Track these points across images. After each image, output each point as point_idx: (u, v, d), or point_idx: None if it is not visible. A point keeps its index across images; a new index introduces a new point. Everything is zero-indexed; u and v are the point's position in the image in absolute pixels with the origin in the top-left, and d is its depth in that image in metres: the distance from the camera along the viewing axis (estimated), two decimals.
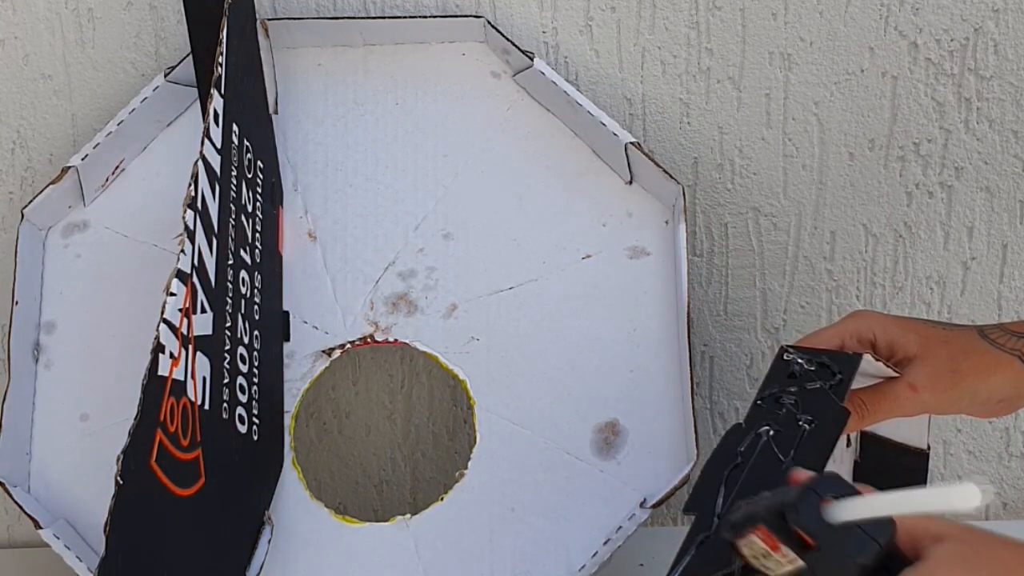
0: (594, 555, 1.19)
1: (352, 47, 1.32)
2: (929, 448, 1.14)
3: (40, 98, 1.33)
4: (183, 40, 1.25)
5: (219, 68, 1.13)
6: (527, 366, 1.25)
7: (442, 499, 1.23)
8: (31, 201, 1.29)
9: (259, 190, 1.23)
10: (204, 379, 1.08)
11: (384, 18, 1.31)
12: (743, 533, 0.83)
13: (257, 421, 1.18)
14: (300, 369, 1.26)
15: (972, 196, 1.36)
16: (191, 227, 1.07)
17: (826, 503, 0.82)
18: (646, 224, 1.29)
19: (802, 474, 0.87)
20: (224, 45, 1.14)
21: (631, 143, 1.27)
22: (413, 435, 1.46)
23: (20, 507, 1.20)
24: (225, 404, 1.12)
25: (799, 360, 1.03)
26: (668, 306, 1.26)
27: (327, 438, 1.46)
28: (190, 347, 1.06)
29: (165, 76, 1.30)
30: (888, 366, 1.05)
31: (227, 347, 1.13)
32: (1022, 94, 1.32)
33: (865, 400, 1.05)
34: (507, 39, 1.29)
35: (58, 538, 1.19)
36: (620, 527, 1.20)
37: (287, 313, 1.27)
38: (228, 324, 1.14)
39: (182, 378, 1.04)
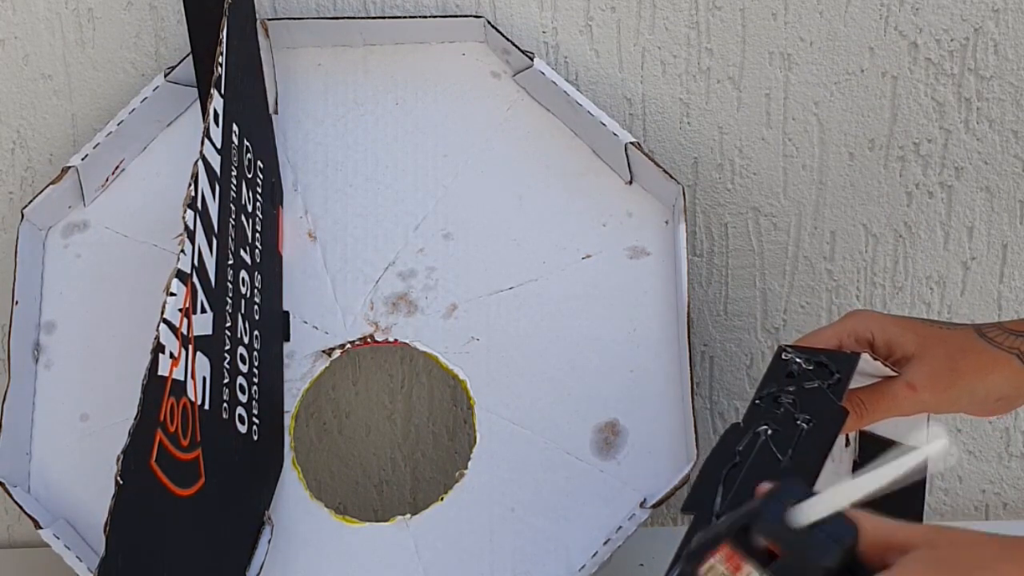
0: (594, 555, 1.19)
1: (352, 47, 1.33)
2: None
3: (40, 98, 1.33)
4: (183, 40, 1.25)
5: (219, 68, 1.13)
6: (527, 366, 1.25)
7: (442, 499, 1.23)
8: (31, 201, 1.29)
9: (259, 190, 1.23)
10: (204, 379, 1.08)
11: (384, 18, 1.31)
12: (703, 557, 0.82)
13: (257, 421, 1.18)
14: (300, 369, 1.26)
15: (972, 196, 1.36)
16: (191, 227, 1.07)
17: (788, 508, 0.81)
18: (646, 224, 1.29)
19: (765, 486, 0.86)
20: (224, 45, 1.14)
21: (631, 143, 1.27)
22: (413, 435, 1.46)
23: (20, 507, 1.20)
24: (225, 404, 1.12)
25: (797, 359, 1.03)
26: (668, 306, 1.26)
27: (327, 438, 1.46)
28: (190, 347, 1.06)
29: (165, 76, 1.30)
30: (886, 365, 1.05)
31: (227, 347, 1.13)
32: (1022, 94, 1.32)
33: (864, 399, 1.05)
34: (507, 39, 1.29)
35: (58, 538, 1.19)
36: (620, 527, 1.20)
37: (287, 313, 1.27)
38: (228, 324, 1.14)
39: (182, 378, 1.04)
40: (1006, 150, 1.34)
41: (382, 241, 1.29)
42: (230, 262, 1.15)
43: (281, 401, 1.25)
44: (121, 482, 0.95)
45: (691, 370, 1.22)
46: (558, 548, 1.20)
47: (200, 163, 1.09)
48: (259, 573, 1.18)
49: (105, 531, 0.94)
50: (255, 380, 1.18)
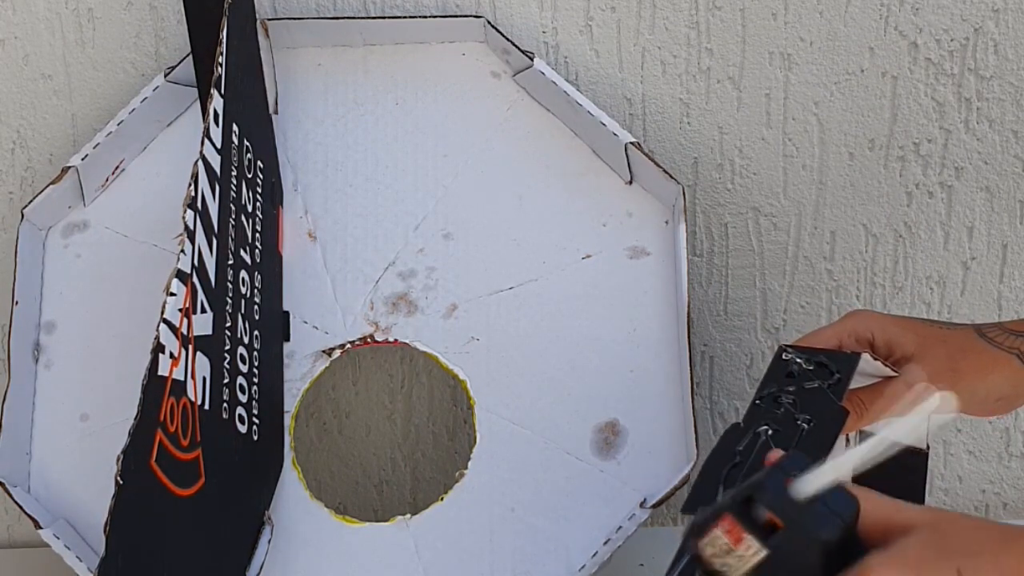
0: (594, 555, 1.19)
1: (352, 47, 1.33)
2: (929, 448, 1.14)
3: (40, 98, 1.33)
4: (183, 40, 1.25)
5: (219, 68, 1.13)
6: (527, 366, 1.25)
7: (442, 499, 1.23)
8: (31, 201, 1.29)
9: (259, 190, 1.23)
10: (204, 379, 1.08)
11: (384, 18, 1.31)
12: (706, 530, 0.82)
13: (257, 421, 1.18)
14: (300, 369, 1.26)
15: (972, 196, 1.36)
16: (191, 227, 1.07)
17: (791, 481, 0.81)
18: (646, 224, 1.29)
19: (775, 454, 0.87)
20: (224, 45, 1.14)
21: (631, 143, 1.27)
22: (413, 435, 1.46)
23: (20, 507, 1.20)
24: (225, 404, 1.12)
25: (797, 359, 1.03)
26: (668, 306, 1.26)
27: (327, 438, 1.46)
28: (190, 347, 1.06)
29: (165, 76, 1.30)
30: (887, 365, 1.05)
31: (227, 347, 1.13)
32: (1022, 94, 1.32)
33: (864, 399, 1.05)
34: (507, 39, 1.29)
35: (58, 538, 1.19)
36: (620, 527, 1.20)
37: (287, 313, 1.27)
38: (228, 324, 1.14)
39: (182, 378, 1.04)
40: (1006, 150, 1.34)
41: (382, 241, 1.29)
42: (230, 262, 1.15)
43: (281, 401, 1.25)
44: (121, 482, 0.95)
45: (691, 370, 1.22)
46: (558, 548, 1.20)
47: (200, 163, 1.09)
48: (259, 573, 1.18)
49: (105, 531, 0.94)
50: (255, 380, 1.18)
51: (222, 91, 1.14)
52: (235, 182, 1.17)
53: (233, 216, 1.16)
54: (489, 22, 1.30)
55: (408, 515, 1.23)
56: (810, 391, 1.00)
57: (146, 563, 0.99)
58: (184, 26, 1.20)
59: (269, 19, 1.30)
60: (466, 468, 1.24)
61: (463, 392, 1.25)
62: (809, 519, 0.81)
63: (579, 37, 1.31)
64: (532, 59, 1.29)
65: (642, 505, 1.20)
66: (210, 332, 1.10)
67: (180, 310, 1.04)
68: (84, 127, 1.34)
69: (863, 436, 1.12)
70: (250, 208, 1.20)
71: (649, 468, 1.22)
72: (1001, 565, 0.83)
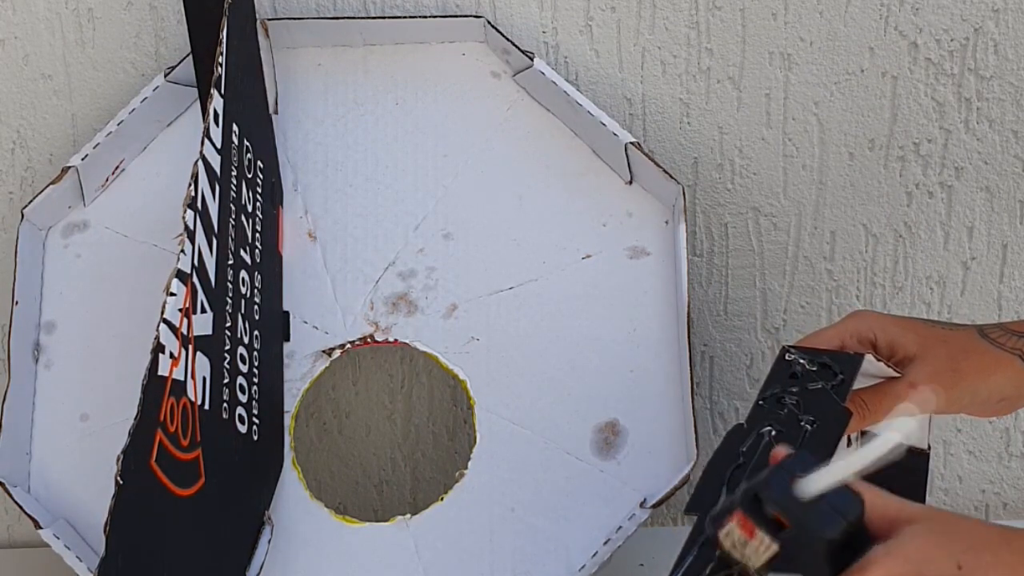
0: (594, 555, 1.19)
1: (352, 47, 1.32)
2: (929, 448, 1.14)
3: (40, 98, 1.33)
4: (183, 40, 1.25)
5: (219, 68, 1.13)
6: (527, 366, 1.25)
7: (442, 499, 1.23)
8: (31, 201, 1.29)
9: (259, 190, 1.23)
10: (204, 379, 1.08)
11: (384, 18, 1.31)
12: (722, 522, 0.83)
13: (257, 421, 1.18)
14: (300, 369, 1.26)
15: (972, 196, 1.36)
16: (191, 227, 1.07)
17: (795, 480, 0.82)
18: (646, 224, 1.29)
19: (781, 451, 0.87)
20: (224, 45, 1.14)
21: (631, 143, 1.27)
22: (413, 435, 1.46)
23: (20, 507, 1.20)
24: (225, 404, 1.12)
25: (801, 360, 1.03)
26: (668, 306, 1.26)
27: (327, 438, 1.46)
28: (190, 347, 1.06)
29: (165, 76, 1.30)
30: (889, 366, 1.05)
31: (227, 347, 1.13)
32: (1022, 94, 1.32)
33: (867, 400, 1.05)
34: (507, 39, 1.29)
35: (58, 538, 1.19)
36: (620, 527, 1.20)
37: (287, 313, 1.27)
38: (228, 324, 1.14)
39: (182, 378, 1.04)
40: (1006, 150, 1.34)
41: (382, 241, 1.29)
42: (230, 262, 1.15)
43: (281, 401, 1.25)
44: (121, 482, 0.95)
45: (691, 370, 1.22)
46: (558, 548, 1.20)
47: (200, 163, 1.09)
48: (259, 573, 1.18)
49: (105, 531, 0.94)
50: (255, 380, 1.18)
51: (222, 91, 1.14)
52: (235, 182, 1.17)
53: (233, 216, 1.16)
54: (489, 22, 1.30)
55: (408, 515, 1.23)
56: (813, 392, 1.00)
57: (146, 563, 0.99)
58: (184, 26, 1.20)
59: (269, 19, 1.30)
60: (466, 468, 1.23)
61: (463, 392, 1.25)
62: (813, 518, 0.81)
63: (579, 37, 1.31)
64: (532, 59, 1.29)
65: (642, 505, 1.20)
66: (210, 332, 1.10)
67: (180, 310, 1.04)
68: (84, 127, 1.34)
69: (865, 437, 1.12)
70: (250, 208, 1.20)
71: (649, 468, 1.22)
72: (1001, 560, 0.84)
